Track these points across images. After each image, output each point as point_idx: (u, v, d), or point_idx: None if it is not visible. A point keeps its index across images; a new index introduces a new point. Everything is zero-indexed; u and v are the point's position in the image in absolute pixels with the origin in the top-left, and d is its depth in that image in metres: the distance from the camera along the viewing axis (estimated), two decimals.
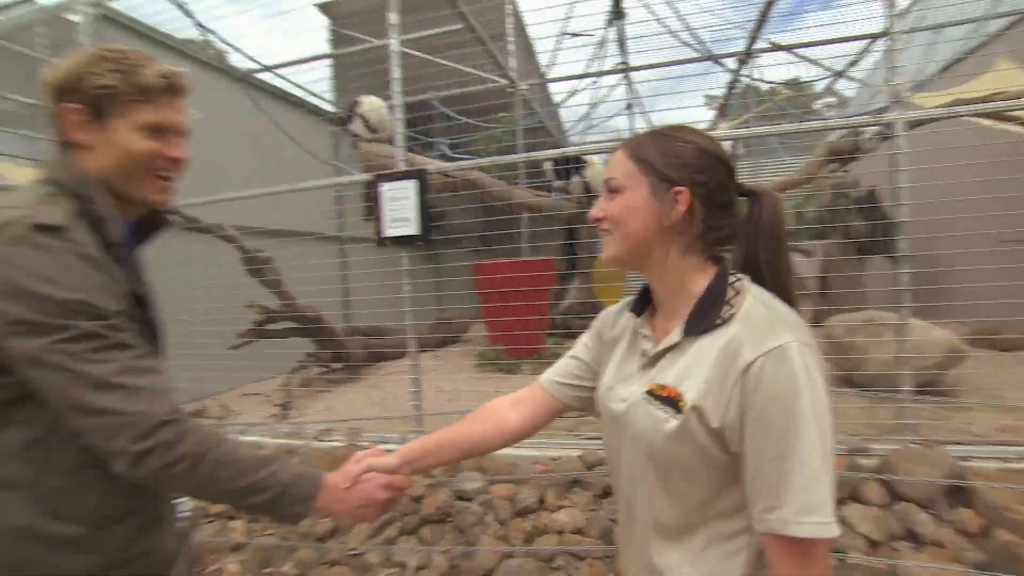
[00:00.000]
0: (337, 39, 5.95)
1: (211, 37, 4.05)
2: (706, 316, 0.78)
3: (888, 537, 2.05)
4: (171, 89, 0.98)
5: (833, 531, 0.68)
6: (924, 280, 3.91)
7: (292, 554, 2.52)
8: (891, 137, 2.40)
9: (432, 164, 2.93)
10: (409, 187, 2.80)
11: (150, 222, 1.11)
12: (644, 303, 0.92)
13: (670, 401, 0.77)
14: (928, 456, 2.25)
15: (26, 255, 0.83)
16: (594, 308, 6.06)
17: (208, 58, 4.79)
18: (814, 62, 4.94)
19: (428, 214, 2.82)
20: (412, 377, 2.99)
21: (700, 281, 0.82)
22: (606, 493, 2.49)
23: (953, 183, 2.77)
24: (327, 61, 5.50)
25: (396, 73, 2.88)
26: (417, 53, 4.74)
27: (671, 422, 0.76)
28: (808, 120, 4.50)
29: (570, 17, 5.01)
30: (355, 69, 5.24)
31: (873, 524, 2.07)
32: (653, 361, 0.84)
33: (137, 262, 1.10)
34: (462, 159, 4.95)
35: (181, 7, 3.83)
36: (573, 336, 5.43)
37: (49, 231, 0.85)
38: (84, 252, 0.88)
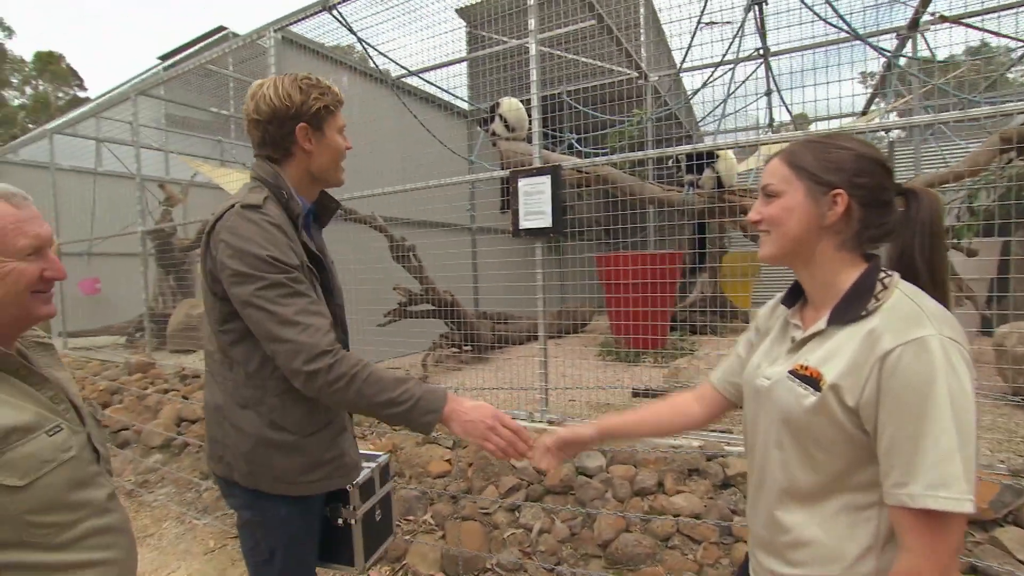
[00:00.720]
0: (473, 41, 6.33)
1: (368, 49, 4.56)
2: (852, 307, 0.84)
3: None
4: (342, 101, 1.37)
5: (966, 507, 0.70)
6: None
7: (430, 506, 2.87)
8: None
9: (566, 160, 3.10)
10: (544, 182, 3.01)
11: (325, 206, 1.45)
12: (796, 296, 0.99)
13: (811, 380, 0.84)
14: None
15: (238, 224, 1.18)
16: (721, 304, 5.90)
17: (364, 67, 5.38)
18: (997, 34, 4.36)
19: (561, 208, 3.01)
20: (541, 359, 3.21)
21: (850, 275, 0.88)
22: (725, 484, 2.53)
23: None
24: (464, 63, 5.91)
25: (534, 75, 3.09)
26: (549, 51, 4.95)
27: (810, 398, 0.83)
28: (983, 102, 4.00)
29: (706, 4, 4.89)
30: (489, 67, 5.57)
31: None
32: (799, 346, 0.91)
33: (317, 235, 1.45)
34: (591, 154, 5.09)
35: (344, 24, 4.36)
36: (697, 331, 5.39)
37: (251, 208, 1.20)
38: (274, 222, 1.21)
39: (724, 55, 4.41)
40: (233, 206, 1.22)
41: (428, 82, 4.87)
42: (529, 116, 3.23)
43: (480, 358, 4.89)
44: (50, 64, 22.78)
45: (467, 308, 5.02)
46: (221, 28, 8.60)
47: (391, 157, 4.94)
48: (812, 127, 6.14)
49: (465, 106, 6.52)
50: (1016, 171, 4.05)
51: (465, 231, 6.53)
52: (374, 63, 4.37)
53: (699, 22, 3.54)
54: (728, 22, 4.49)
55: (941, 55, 4.94)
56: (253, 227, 1.18)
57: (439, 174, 3.93)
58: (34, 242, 0.94)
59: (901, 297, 0.82)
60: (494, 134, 4.30)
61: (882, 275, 0.85)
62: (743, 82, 4.99)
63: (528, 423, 3.23)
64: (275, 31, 4.37)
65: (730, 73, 4.66)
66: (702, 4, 3.91)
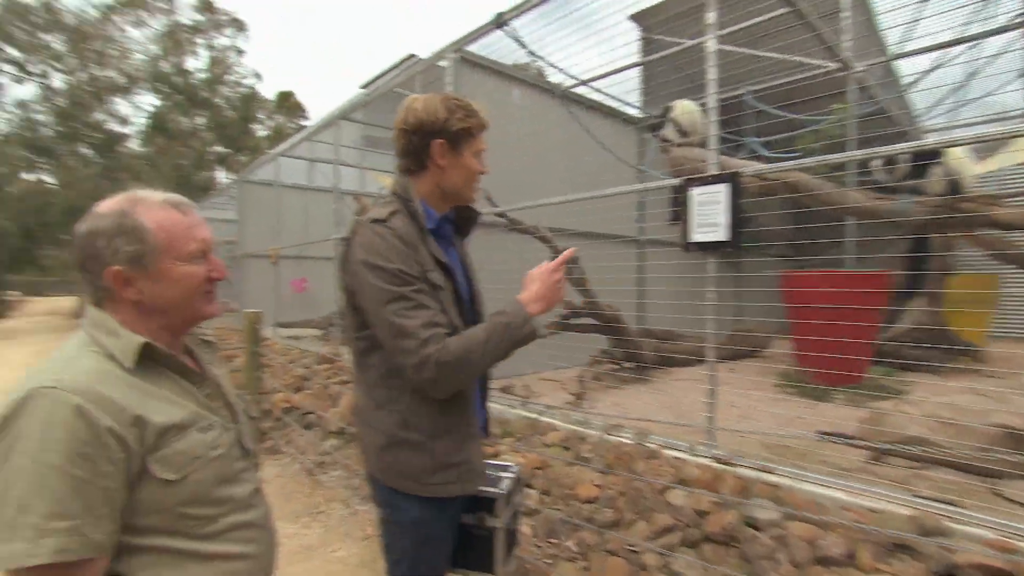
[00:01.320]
0: (647, 45, 6.09)
1: (539, 62, 4.59)
2: None
3: None
4: (483, 126, 1.39)
5: None
6: None
7: (576, 532, 2.71)
8: None
9: (747, 166, 2.75)
10: (720, 191, 2.70)
11: (466, 217, 1.51)
12: None
13: None
14: None
15: (367, 238, 1.27)
16: (941, 337, 4.82)
17: (535, 80, 5.46)
18: None
19: (739, 220, 2.67)
20: (709, 388, 2.88)
21: None
22: (950, 573, 1.98)
23: None
24: (636, 69, 5.70)
25: (712, 73, 2.80)
26: (731, 48, 4.52)
27: None
28: None
29: None
30: (663, 69, 5.29)
31: None
32: None
33: (458, 244, 1.51)
34: (778, 158, 4.53)
35: (515, 39, 4.43)
36: (908, 367, 4.44)
37: (378, 222, 1.29)
38: (398, 234, 1.28)
39: (960, 33, 3.61)
40: (365, 221, 1.32)
41: (598, 91, 4.75)
42: (706, 119, 2.92)
43: (640, 378, 4.61)
44: (286, 101, 27.37)
45: (630, 324, 4.78)
46: (411, 55, 9.46)
47: (558, 168, 4.92)
48: None
49: (636, 113, 6.30)
50: None
51: (632, 243, 6.27)
52: (544, 75, 4.39)
53: None
54: None
55: None
56: (379, 240, 1.26)
57: (606, 184, 3.78)
58: (201, 246, 1.01)
59: None
60: (665, 140, 4.03)
61: None
62: (989, 63, 4.05)
63: (688, 456, 2.91)
64: (453, 52, 4.62)
65: (972, 50, 3.80)
66: None
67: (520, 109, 5.23)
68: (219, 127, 22.88)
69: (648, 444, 3.09)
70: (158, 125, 21.29)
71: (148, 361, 0.94)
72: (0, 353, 12.59)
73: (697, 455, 2.90)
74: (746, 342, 5.24)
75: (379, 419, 1.34)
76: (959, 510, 2.20)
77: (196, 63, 23.29)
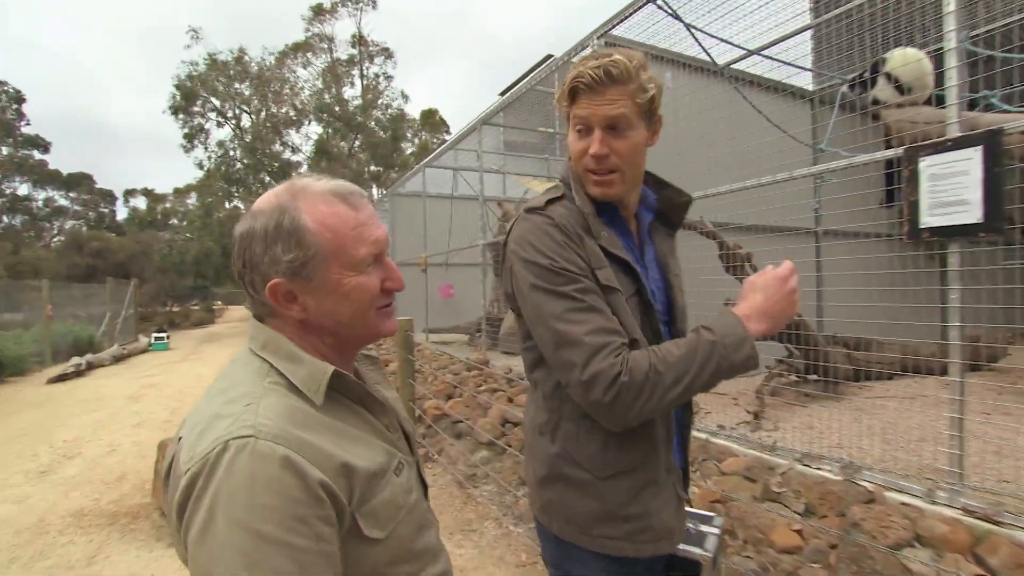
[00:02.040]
0: (819, 5, 5.22)
1: (695, 34, 4.08)
2: None
3: None
4: (586, 85, 1.03)
5: None
6: None
7: None
8: None
9: (1013, 120, 2.04)
10: (969, 159, 2.04)
11: (671, 201, 1.20)
12: None
13: None
14: None
15: (521, 230, 1.07)
16: None
17: (687, 59, 4.91)
18: None
19: (998, 194, 1.99)
20: (953, 415, 2.21)
21: None
22: None
23: None
24: (807, 35, 4.88)
25: (952, 4, 2.14)
26: None
27: None
28: None
29: None
30: (841, 27, 4.45)
31: None
32: None
33: (646, 239, 1.19)
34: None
35: (670, 12, 3.97)
36: None
37: (533, 211, 1.08)
38: (555, 223, 1.05)
39: None
40: (521, 212, 1.12)
41: (770, 58, 4.10)
42: (938, 69, 2.26)
43: (831, 394, 3.87)
44: (430, 118, 29.09)
45: (816, 329, 4.04)
46: (549, 56, 9.30)
47: (719, 153, 4.36)
48: None
49: (807, 86, 5.44)
50: None
51: (808, 236, 5.42)
52: (703, 48, 3.88)
53: None
54: None
55: None
56: (536, 232, 1.05)
57: (774, 170, 3.19)
58: (374, 249, 0.80)
59: None
60: (875, 102, 3.29)
61: None
62: None
63: (925, 504, 2.25)
64: (597, 38, 4.28)
65: None
66: None
67: (672, 91, 4.74)
68: (372, 147, 24.91)
69: (862, 483, 2.47)
70: (322, 150, 23.76)
71: (331, 391, 0.76)
72: (209, 353, 14.82)
73: (938, 503, 2.23)
74: (975, 351, 4.17)
75: (541, 446, 1.13)
76: None
77: (352, 91, 25.66)
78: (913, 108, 2.93)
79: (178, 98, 21.81)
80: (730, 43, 3.80)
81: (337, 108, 24.10)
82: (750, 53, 3.92)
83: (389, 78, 26.26)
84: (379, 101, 25.71)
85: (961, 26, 2.17)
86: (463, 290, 9.68)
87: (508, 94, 8.58)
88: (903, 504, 2.28)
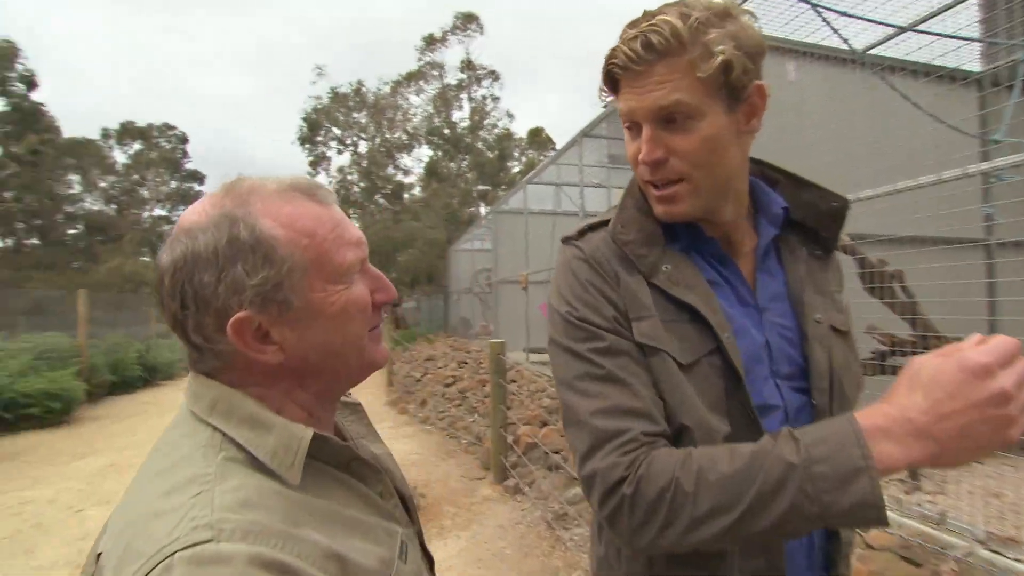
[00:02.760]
0: None
1: (827, 18, 3.51)
2: None
3: None
4: (611, 75, 0.74)
5: None
6: None
7: None
8: None
9: None
10: None
11: (820, 212, 0.82)
12: None
13: None
14: None
15: (556, 266, 0.84)
16: None
17: (816, 48, 4.29)
18: None
19: None
20: None
21: None
22: None
23: None
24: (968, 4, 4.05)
25: None
26: None
27: None
28: None
29: None
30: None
31: None
32: None
33: (731, 265, 0.80)
34: None
35: (813, 5, 3.43)
36: None
37: (567, 241, 0.84)
38: (584, 257, 0.79)
39: None
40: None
41: (925, 32, 3.41)
42: None
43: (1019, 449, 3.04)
44: (536, 136, 29.44)
45: None
46: None
47: (860, 153, 3.72)
48: None
49: (973, 67, 4.54)
50: None
51: (977, 248, 4.48)
52: (836, 32, 3.30)
53: None
54: None
55: None
56: (560, 269, 0.82)
57: (927, 170, 2.55)
58: (359, 252, 0.61)
59: None
60: None
61: None
62: None
63: None
64: None
65: None
66: None
67: (797, 85, 4.16)
68: (479, 167, 25.61)
69: None
70: (432, 172, 24.84)
71: (310, 461, 0.56)
72: None
73: None
74: None
75: (593, 542, 0.89)
76: None
77: (460, 114, 26.65)
78: None
79: (304, 129, 24.02)
80: (873, 21, 3.18)
81: (446, 131, 25.11)
82: (900, 31, 3.26)
83: (496, 99, 26.94)
84: (485, 122, 26.43)
85: None
86: None
87: (608, 104, 8.23)
88: None
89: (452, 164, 25.58)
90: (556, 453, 4.43)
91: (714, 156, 0.72)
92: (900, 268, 3.04)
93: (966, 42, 3.53)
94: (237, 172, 0.60)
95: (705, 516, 0.60)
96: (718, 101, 0.70)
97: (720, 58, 0.67)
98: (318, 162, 24.90)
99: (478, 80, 26.80)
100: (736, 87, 0.70)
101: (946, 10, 3.56)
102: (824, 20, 3.32)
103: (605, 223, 0.82)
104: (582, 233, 0.83)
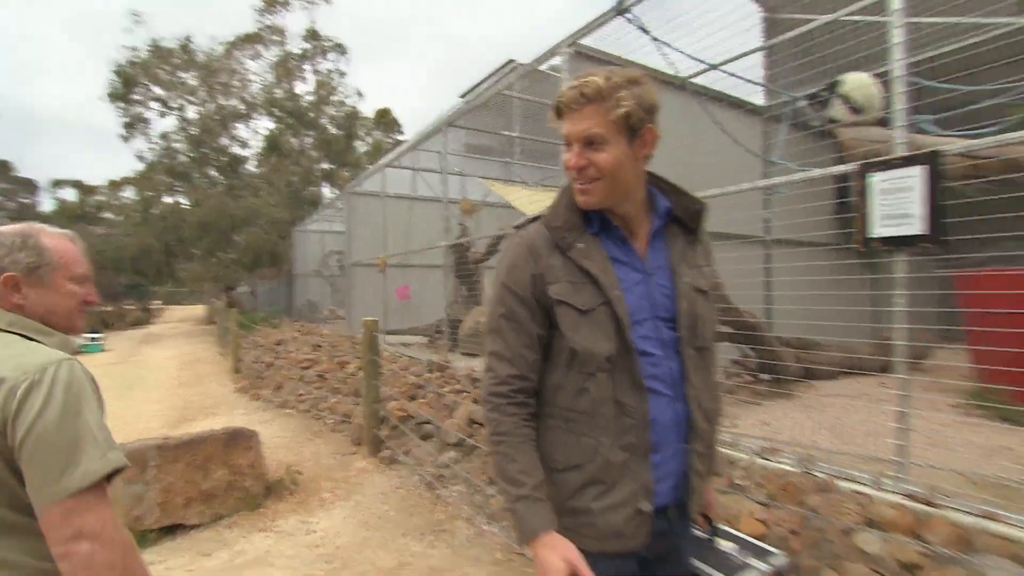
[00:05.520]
0: (769, 26, 5.55)
1: (660, 50, 4.26)
2: None
3: None
4: (568, 103, 1.11)
5: None
6: None
7: None
8: None
9: (949, 143, 2.27)
10: (913, 176, 2.25)
11: (688, 210, 1.24)
12: None
13: None
14: None
15: (505, 248, 1.26)
16: None
17: (654, 73, 5.12)
18: None
19: (940, 209, 2.21)
20: (898, 409, 2.42)
21: None
22: None
23: None
24: (759, 54, 5.18)
25: (898, 36, 2.36)
26: (875, 19, 3.93)
27: None
28: None
29: None
30: (792, 53, 4.76)
31: None
32: None
33: (661, 248, 1.22)
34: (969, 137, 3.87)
35: (638, 26, 4.13)
36: None
37: (515, 229, 1.26)
38: (524, 243, 1.18)
39: None
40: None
41: (731, 74, 4.33)
42: (886, 93, 2.48)
43: (781, 392, 4.12)
44: (383, 118, 28.68)
45: (769, 332, 4.29)
46: (510, 61, 9.41)
47: (679, 164, 4.55)
48: None
49: (760, 102, 5.76)
50: None
51: (757, 244, 5.72)
52: (669, 65, 4.06)
53: None
54: None
55: None
56: (507, 251, 1.22)
57: (726, 181, 3.39)
58: (86, 272, 1.22)
59: None
60: (831, 120, 3.55)
61: None
62: None
63: (874, 492, 2.45)
64: (567, 47, 4.40)
65: None
66: None
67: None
68: (325, 145, 24.34)
69: (816, 473, 2.66)
70: (272, 146, 23.03)
71: None
72: (148, 354, 14.10)
73: (885, 491, 2.44)
74: (911, 352, 4.53)
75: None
76: None
77: (304, 87, 25.00)
78: (864, 128, 3.19)
79: (118, 85, 20.63)
80: (693, 57, 3.99)
81: (289, 103, 23.42)
82: (710, 68, 4.13)
83: (343, 74, 25.73)
84: (332, 98, 25.16)
85: (904, 56, 2.40)
86: (421, 292, 9.62)
87: (471, 96, 8.61)
88: (856, 492, 2.47)
89: (295, 140, 23.94)
90: (427, 424, 4.77)
91: (616, 169, 1.12)
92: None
93: (753, 83, 4.53)
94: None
95: (493, 445, 1.17)
96: (621, 136, 1.11)
97: (624, 109, 1.08)
98: (134, 124, 21.48)
99: (323, 52, 25.35)
100: (634, 128, 1.11)
101: (744, 56, 4.54)
102: (660, 52, 4.05)
103: (540, 217, 1.22)
104: (528, 222, 1.22)
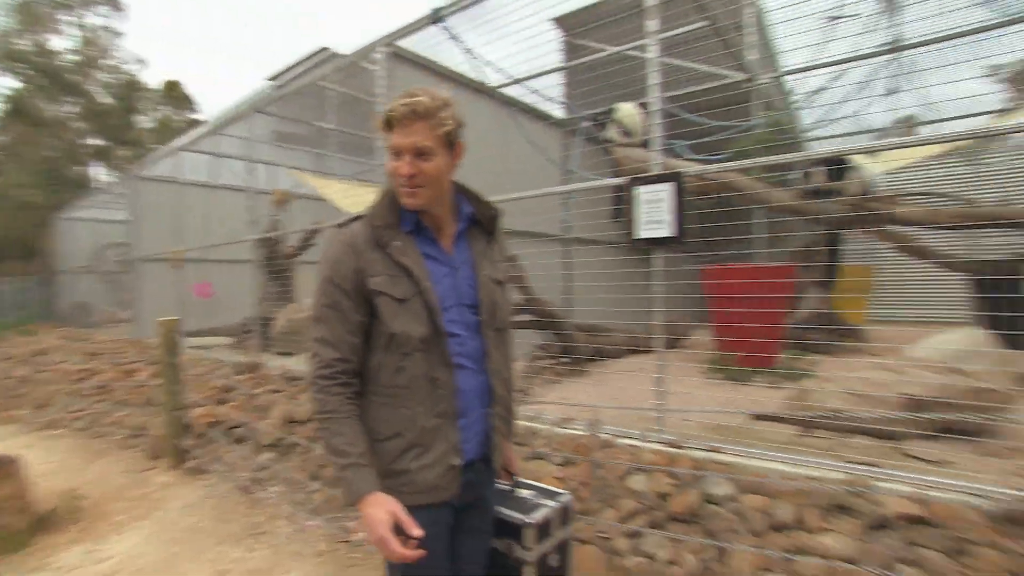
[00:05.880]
0: (571, 49, 6.28)
1: (471, 61, 4.60)
2: None
3: None
4: (402, 118, 1.28)
5: None
6: None
7: None
8: None
9: (689, 167, 2.94)
10: (665, 190, 2.86)
11: (483, 213, 1.48)
12: None
13: None
14: None
15: (327, 241, 1.38)
16: (833, 321, 5.44)
17: (466, 80, 5.46)
18: None
19: (683, 216, 2.85)
20: (657, 376, 3.05)
21: None
22: (880, 525, 2.25)
23: None
24: (559, 72, 5.86)
25: (654, 78, 2.96)
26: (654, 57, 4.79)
27: None
28: None
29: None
30: (588, 76, 5.49)
31: None
32: None
33: (464, 245, 1.45)
34: (705, 161, 4.87)
35: (452, 36, 4.41)
36: (811, 349, 4.95)
37: (337, 227, 1.37)
38: (346, 240, 1.33)
39: (850, 52, 4.08)
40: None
41: (533, 91, 4.83)
42: (648, 121, 3.10)
43: (578, 370, 4.76)
44: (172, 91, 25.14)
45: (565, 319, 4.92)
46: (324, 48, 9.08)
47: (487, 168, 4.96)
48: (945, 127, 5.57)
49: (559, 115, 6.47)
50: None
51: (556, 242, 6.45)
52: (479, 74, 4.40)
53: (833, 18, 3.27)
54: (856, 15, 4.16)
55: None
56: (329, 246, 1.36)
57: (531, 184, 3.87)
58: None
59: None
60: (608, 141, 4.20)
61: None
62: (867, 82, 4.59)
63: (642, 443, 3.06)
64: (384, 47, 4.50)
65: (854, 71, 4.30)
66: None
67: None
68: (94, 117, 20.57)
69: (602, 434, 3.21)
70: (18, 111, 18.77)
71: None
72: None
73: (649, 441, 3.07)
74: (671, 332, 5.57)
75: None
76: (880, 470, 2.50)
77: (64, 43, 20.78)
78: (632, 149, 3.89)
79: None
80: (501, 70, 4.40)
81: (40, 59, 19.26)
82: (515, 81, 4.59)
83: (118, 35, 21.95)
84: (103, 61, 21.32)
85: (661, 92, 3.02)
86: (224, 289, 8.83)
87: (280, 80, 8.11)
88: (629, 445, 3.06)
89: (51, 105, 19.77)
90: (238, 428, 4.52)
91: (439, 177, 1.34)
92: (515, 253, 4.37)
93: (552, 100, 5.14)
94: None
95: (319, 424, 1.32)
96: (443, 149, 1.33)
97: (447, 127, 1.31)
98: None
99: (87, 3, 21.31)
100: (451, 143, 1.35)
101: (545, 74, 5.11)
102: (470, 62, 4.37)
103: (360, 217, 1.37)
104: (349, 222, 1.36)
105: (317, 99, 6.91)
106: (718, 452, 2.82)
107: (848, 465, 2.60)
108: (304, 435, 4.02)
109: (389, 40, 4.47)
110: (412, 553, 1.22)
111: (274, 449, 4.10)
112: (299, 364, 5.66)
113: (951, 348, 3.88)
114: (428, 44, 4.80)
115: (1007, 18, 4.48)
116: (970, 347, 3.88)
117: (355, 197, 5.45)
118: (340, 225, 1.36)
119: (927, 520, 2.20)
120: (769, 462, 2.67)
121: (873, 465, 2.58)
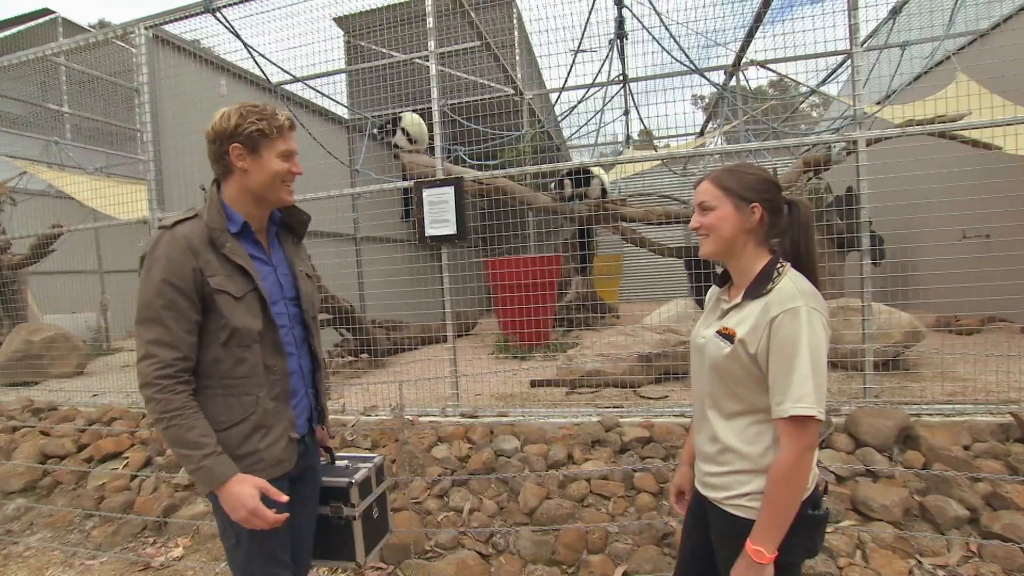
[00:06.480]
0: (352, 51, 6.35)
1: (252, 53, 4.44)
2: (758, 287, 1.19)
3: (851, 473, 2.56)
4: (291, 127, 1.48)
5: (814, 413, 1.06)
6: (897, 272, 4.42)
7: None
8: (855, 152, 2.90)
9: (468, 172, 3.37)
10: (448, 193, 3.25)
11: (296, 219, 1.65)
12: (725, 279, 1.35)
13: (728, 336, 1.20)
14: (885, 412, 2.76)
15: (154, 243, 1.39)
16: (593, 300, 6.58)
17: (245, 73, 5.19)
18: (785, 77, 5.50)
19: (464, 216, 3.27)
20: (451, 358, 3.44)
21: (759, 264, 1.23)
22: (623, 449, 2.97)
23: (914, 189, 3.16)
24: (343, 73, 5.92)
25: (435, 92, 3.32)
26: (428, 66, 5.18)
27: (726, 348, 1.19)
28: (785, 134, 5.03)
29: (572, 33, 5.49)
30: (371, 77, 5.67)
31: (840, 463, 2.57)
32: (724, 314, 1.27)
33: (277, 247, 1.59)
34: (482, 166, 5.42)
35: (228, 28, 4.20)
36: (575, 326, 5.93)
37: (164, 228, 1.41)
38: (178, 241, 1.37)
39: (595, 78, 4.99)
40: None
41: (315, 89, 4.83)
42: (430, 130, 3.45)
43: (377, 363, 4.95)
44: None
45: (363, 316, 5.06)
46: (47, 11, 7.57)
47: None
48: (660, 144, 7.07)
49: (344, 114, 6.50)
50: (813, 186, 5.13)
51: (349, 240, 6.49)
52: (260, 68, 4.27)
53: (578, 48, 4.02)
54: (595, 49, 5.10)
55: (756, 86, 6.04)
56: (160, 245, 1.37)
57: (319, 183, 3.96)
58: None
59: (787, 280, 1.18)
60: (395, 146, 4.44)
61: (778, 265, 1.22)
62: (606, 104, 5.65)
63: (441, 418, 3.43)
64: (146, 28, 4.10)
65: (597, 93, 5.27)
66: (574, 31, 4.40)
67: (227, 100, 4.93)
68: None
69: (406, 416, 3.50)
70: None
71: None
72: None
73: (448, 416, 3.45)
74: (459, 320, 6.10)
75: None
76: (623, 409, 3.26)
77: None
78: (418, 155, 4.22)
79: None
80: (282, 68, 4.33)
81: None
82: (296, 80, 4.56)
83: None
84: None
85: (442, 101, 3.40)
86: None
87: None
88: (431, 422, 3.40)
89: None
90: None
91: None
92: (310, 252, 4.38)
93: (335, 100, 5.20)
94: None
95: (158, 421, 1.33)
96: None
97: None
98: None
99: None
100: None
101: (330, 75, 5.13)
102: (252, 57, 4.21)
103: (191, 218, 1.44)
104: (176, 223, 1.41)
105: (46, 75, 5.79)
106: (505, 416, 3.34)
107: (602, 410, 3.33)
108: (68, 471, 3.50)
109: (152, 22, 4.07)
110: (280, 516, 1.36)
111: (27, 493, 3.48)
112: (46, 393, 4.78)
113: (669, 315, 5.07)
114: (204, 32, 4.49)
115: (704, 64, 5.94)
116: (681, 313, 5.13)
117: (109, 194, 4.80)
118: (166, 227, 1.40)
119: (652, 438, 2.98)
120: (546, 418, 3.27)
121: (619, 407, 3.35)
